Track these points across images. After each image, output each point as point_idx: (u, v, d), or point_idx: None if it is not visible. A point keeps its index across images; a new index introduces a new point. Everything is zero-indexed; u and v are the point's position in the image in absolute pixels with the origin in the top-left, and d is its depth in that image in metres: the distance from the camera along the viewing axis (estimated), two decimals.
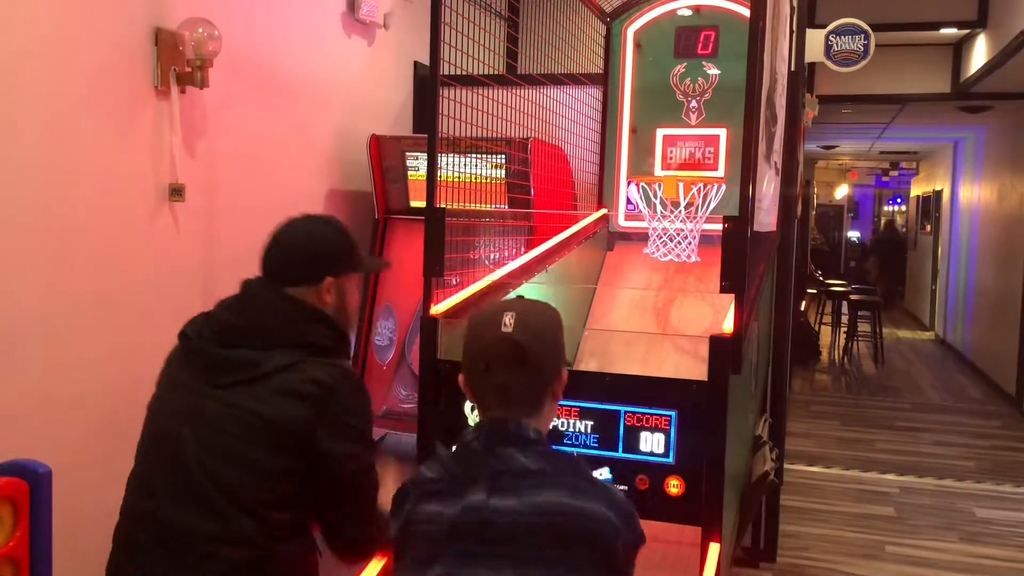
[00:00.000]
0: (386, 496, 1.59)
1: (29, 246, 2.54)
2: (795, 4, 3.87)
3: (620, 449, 2.18)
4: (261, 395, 1.67)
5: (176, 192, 3.03)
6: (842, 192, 19.25)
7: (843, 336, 10.45)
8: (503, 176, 3.65)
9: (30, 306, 2.52)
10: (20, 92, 2.48)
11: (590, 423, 2.21)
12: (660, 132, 3.81)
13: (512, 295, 1.61)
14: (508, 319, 1.45)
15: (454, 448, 1.49)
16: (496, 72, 3.04)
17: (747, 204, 2.18)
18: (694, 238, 3.27)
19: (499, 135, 3.08)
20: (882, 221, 20.02)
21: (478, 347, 1.47)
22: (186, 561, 1.65)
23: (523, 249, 3.51)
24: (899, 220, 19.20)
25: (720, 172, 3.68)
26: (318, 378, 1.69)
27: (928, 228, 13.46)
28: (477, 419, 1.51)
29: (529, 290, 2.75)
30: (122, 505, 1.77)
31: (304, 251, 1.84)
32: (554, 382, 1.50)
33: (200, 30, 2.95)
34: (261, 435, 1.66)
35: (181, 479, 1.67)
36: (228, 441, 1.66)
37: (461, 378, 1.51)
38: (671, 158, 3.78)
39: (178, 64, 2.99)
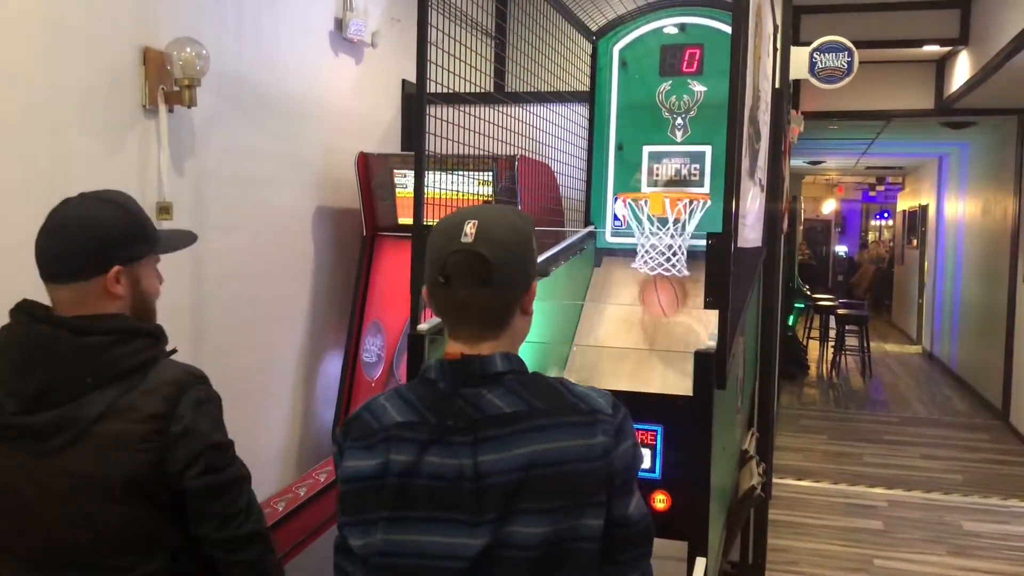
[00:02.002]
0: None
1: (17, 265, 2.54)
2: (779, 22, 3.91)
3: None
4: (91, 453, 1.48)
5: (164, 210, 3.03)
6: (829, 207, 19.37)
7: (831, 350, 10.50)
8: (491, 193, 3.67)
9: None
10: (9, 111, 2.49)
11: None
12: (646, 149, 3.84)
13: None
14: (469, 228, 1.30)
15: (418, 383, 1.36)
16: (483, 90, 3.07)
17: (731, 220, 2.20)
18: (682, 253, 3.29)
19: (486, 152, 3.10)
20: (869, 237, 20.17)
21: (437, 259, 1.32)
22: None
23: None
24: (886, 234, 19.31)
25: (706, 188, 3.71)
26: (153, 411, 1.49)
27: (915, 242, 13.55)
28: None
29: None
30: None
31: (79, 239, 1.53)
32: (522, 297, 1.36)
33: (188, 49, 2.97)
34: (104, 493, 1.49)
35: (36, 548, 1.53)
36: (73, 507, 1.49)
37: (424, 290, 1.38)
38: (657, 175, 3.81)
39: (166, 83, 3.00)
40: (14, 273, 2.53)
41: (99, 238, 1.53)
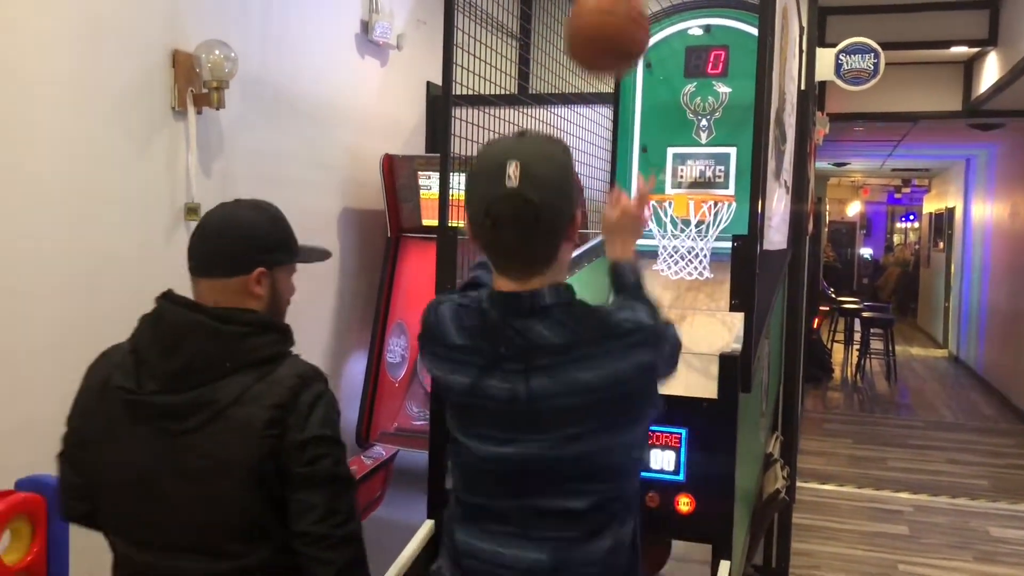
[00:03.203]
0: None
1: (50, 263, 2.58)
2: (804, 23, 3.90)
3: None
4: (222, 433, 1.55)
5: (192, 211, 3.07)
6: (854, 209, 19.22)
7: (856, 354, 10.41)
8: None
9: (50, 323, 2.56)
10: (44, 114, 2.53)
11: None
12: (670, 151, 3.83)
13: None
14: (513, 170, 1.32)
15: (474, 311, 1.47)
16: (508, 92, 3.08)
17: (756, 222, 2.20)
18: (705, 256, 3.28)
19: None
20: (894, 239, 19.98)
21: (482, 203, 1.35)
22: None
23: None
24: (912, 237, 19.13)
25: (730, 190, 3.70)
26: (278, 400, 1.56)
27: (941, 245, 13.42)
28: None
29: None
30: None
31: (231, 238, 1.66)
32: (568, 229, 1.41)
33: (217, 52, 3.00)
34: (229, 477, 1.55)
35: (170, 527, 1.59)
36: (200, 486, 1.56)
37: (467, 228, 1.42)
38: (681, 176, 3.80)
39: (195, 86, 3.03)
40: (47, 269, 2.57)
41: (249, 240, 1.67)
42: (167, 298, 1.64)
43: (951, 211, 12.78)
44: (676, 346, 1.58)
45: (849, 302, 11.44)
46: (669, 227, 3.28)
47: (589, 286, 3.58)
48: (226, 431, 1.54)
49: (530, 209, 1.32)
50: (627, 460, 1.49)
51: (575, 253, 3.34)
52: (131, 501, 1.60)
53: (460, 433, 1.51)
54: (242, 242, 1.66)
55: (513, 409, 1.40)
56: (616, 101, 3.99)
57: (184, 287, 1.69)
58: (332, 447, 1.60)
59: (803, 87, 3.85)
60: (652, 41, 3.94)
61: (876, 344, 10.28)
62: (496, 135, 2.89)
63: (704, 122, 3.80)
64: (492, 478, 1.48)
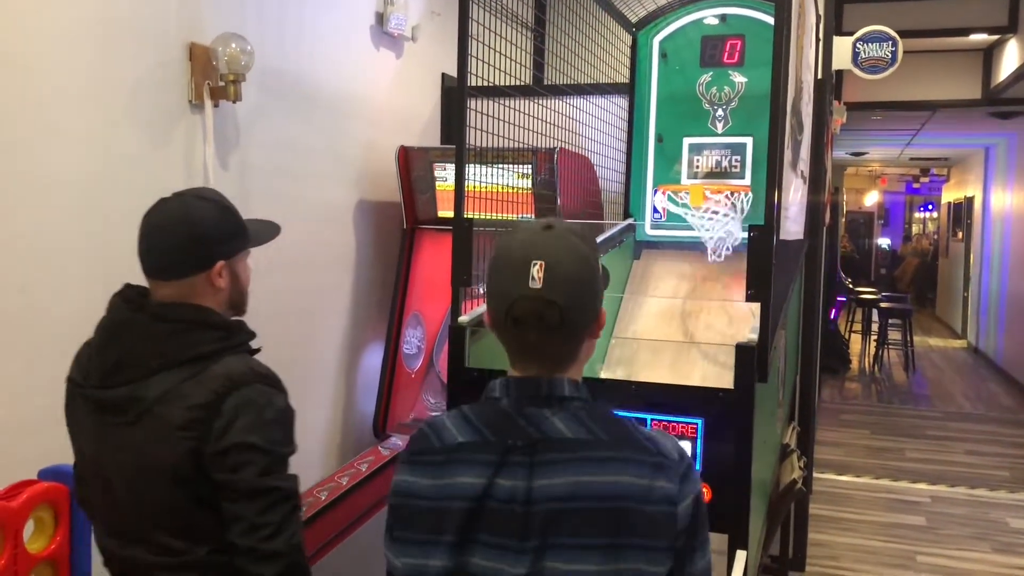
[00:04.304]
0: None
1: (67, 256, 2.60)
2: (821, 12, 3.87)
3: None
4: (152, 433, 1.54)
5: None
6: (872, 199, 19.08)
7: (873, 344, 10.36)
8: (530, 186, 3.68)
9: (68, 316, 2.58)
10: (61, 108, 2.56)
11: None
12: (686, 141, 3.82)
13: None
14: (537, 271, 1.23)
15: (480, 403, 1.34)
16: (523, 83, 3.08)
17: (773, 212, 2.19)
18: (736, 237, 3.25)
19: (526, 145, 3.11)
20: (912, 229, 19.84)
21: (503, 298, 1.27)
22: None
23: None
24: (930, 227, 18.99)
25: (747, 180, 3.68)
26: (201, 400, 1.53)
27: (960, 235, 13.32)
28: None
29: None
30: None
31: (186, 237, 1.61)
32: (592, 327, 1.32)
33: (233, 45, 3.01)
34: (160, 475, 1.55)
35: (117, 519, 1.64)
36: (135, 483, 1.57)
37: (487, 319, 1.33)
38: (697, 167, 3.79)
39: (211, 78, 3.05)
40: (65, 262, 2.60)
41: (204, 235, 1.61)
42: (119, 293, 1.65)
43: (970, 200, 12.67)
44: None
45: (867, 292, 11.38)
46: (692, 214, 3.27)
47: (611, 272, 3.57)
48: (152, 429, 1.53)
49: (554, 312, 1.23)
50: None
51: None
52: (96, 490, 1.65)
53: (447, 554, 1.24)
54: (200, 239, 1.61)
55: (511, 511, 1.22)
56: (632, 91, 3.98)
57: None
58: (257, 455, 1.52)
59: (820, 76, 3.83)
60: (668, 31, 3.92)
61: (894, 335, 10.22)
62: (511, 126, 2.89)
63: (720, 112, 3.78)
64: None
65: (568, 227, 1.34)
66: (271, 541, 1.52)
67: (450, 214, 2.47)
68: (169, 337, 1.56)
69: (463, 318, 2.40)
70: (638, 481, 1.21)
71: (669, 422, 2.17)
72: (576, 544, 1.19)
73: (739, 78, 3.76)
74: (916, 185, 18.76)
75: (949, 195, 15.36)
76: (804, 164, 3.45)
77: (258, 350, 1.69)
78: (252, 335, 1.69)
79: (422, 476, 1.28)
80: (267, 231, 1.84)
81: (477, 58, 2.53)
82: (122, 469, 1.58)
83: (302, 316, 3.76)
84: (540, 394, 1.28)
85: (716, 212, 3.23)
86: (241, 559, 1.53)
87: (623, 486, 1.21)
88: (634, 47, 3.97)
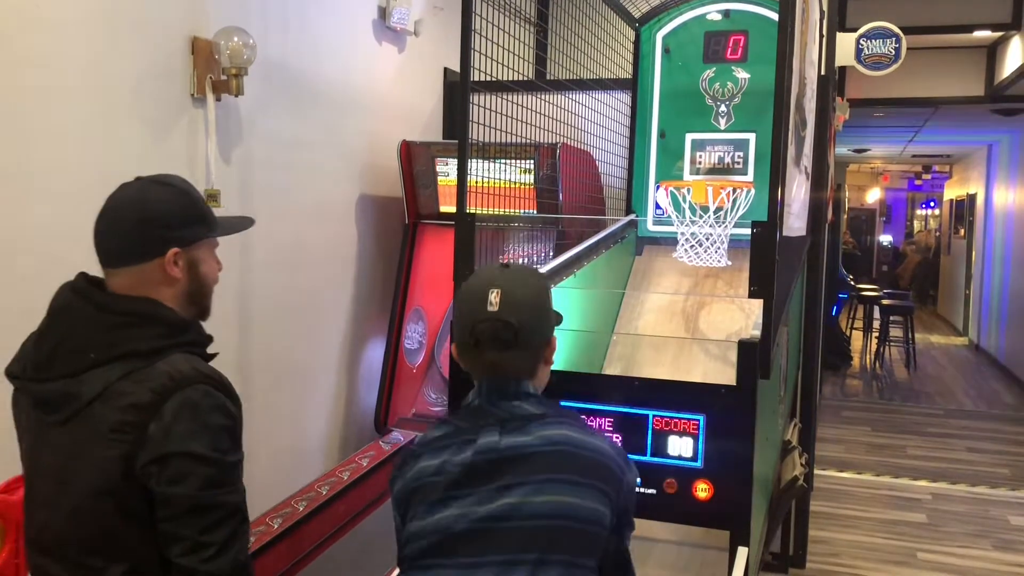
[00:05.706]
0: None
1: (69, 251, 2.60)
2: (825, 8, 3.86)
3: (648, 453, 2.19)
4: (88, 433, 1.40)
5: (211, 198, 3.08)
6: (874, 196, 19.05)
7: (875, 341, 10.35)
8: (532, 181, 3.67)
9: None
10: (62, 102, 2.55)
11: (619, 427, 2.22)
12: (689, 137, 3.82)
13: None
14: (494, 297, 1.46)
15: (458, 410, 1.55)
16: (525, 78, 3.07)
17: (776, 209, 2.19)
18: (723, 243, 3.27)
19: (528, 140, 3.10)
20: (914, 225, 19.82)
21: (466, 325, 1.48)
22: None
23: (552, 253, 3.53)
24: (932, 224, 18.97)
25: (749, 177, 3.68)
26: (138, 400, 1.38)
27: (962, 232, 13.30)
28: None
29: (557, 294, 2.77)
30: None
31: (135, 220, 1.47)
32: (545, 351, 1.53)
33: (235, 39, 3.00)
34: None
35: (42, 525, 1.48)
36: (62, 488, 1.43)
37: (452, 348, 1.55)
38: (700, 163, 3.79)
39: (214, 72, 3.04)
40: (65, 257, 2.59)
41: (156, 219, 1.48)
42: (72, 280, 1.52)
43: (972, 197, 12.64)
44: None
45: (868, 289, 11.36)
46: (688, 213, 3.27)
47: (613, 268, 3.58)
48: (83, 430, 1.39)
49: (509, 330, 1.44)
50: None
51: (595, 239, 3.33)
52: (27, 494, 1.50)
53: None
54: (149, 222, 1.47)
55: (484, 468, 1.43)
56: (634, 87, 3.98)
57: None
58: (200, 466, 1.37)
59: (823, 72, 3.82)
60: (671, 26, 3.92)
61: (895, 332, 10.21)
62: (513, 121, 2.89)
63: (723, 108, 3.78)
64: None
65: (523, 266, 1.64)
66: (215, 561, 1.37)
67: (452, 209, 2.46)
68: (110, 330, 1.43)
69: None
70: (594, 441, 1.47)
71: (671, 418, 2.16)
72: (545, 479, 1.40)
73: (742, 74, 3.75)
74: (918, 182, 18.73)
75: (951, 192, 15.33)
76: (807, 160, 3.45)
77: (214, 355, 1.55)
78: (207, 337, 1.55)
79: (411, 469, 1.49)
80: (237, 224, 1.70)
81: (480, 53, 2.53)
82: (48, 473, 1.44)
83: (303, 311, 3.76)
84: (509, 390, 1.48)
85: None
86: None
87: (583, 441, 1.45)
88: (637, 42, 3.97)
